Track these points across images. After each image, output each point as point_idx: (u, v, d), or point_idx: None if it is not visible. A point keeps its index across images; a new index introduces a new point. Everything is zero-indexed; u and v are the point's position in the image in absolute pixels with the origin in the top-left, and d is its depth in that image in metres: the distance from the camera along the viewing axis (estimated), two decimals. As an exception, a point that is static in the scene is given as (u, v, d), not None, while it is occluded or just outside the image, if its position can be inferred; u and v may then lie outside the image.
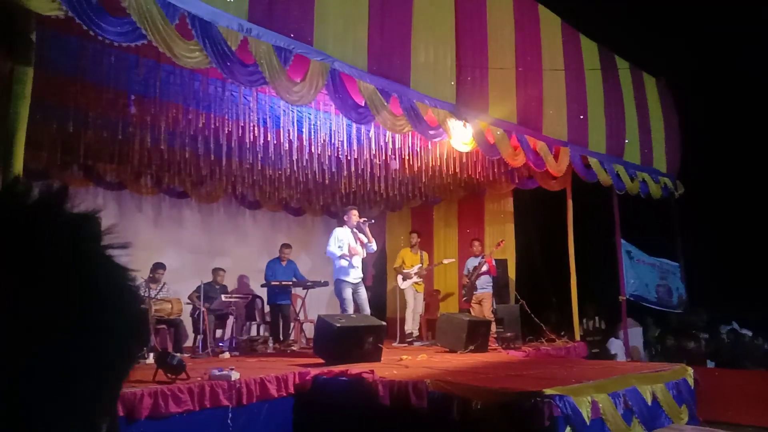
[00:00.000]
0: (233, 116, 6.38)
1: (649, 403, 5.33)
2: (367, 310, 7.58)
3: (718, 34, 11.14)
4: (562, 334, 9.01)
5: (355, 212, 7.82)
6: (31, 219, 0.47)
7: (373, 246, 7.87)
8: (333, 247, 7.56)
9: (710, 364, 9.22)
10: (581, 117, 8.39)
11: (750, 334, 9.75)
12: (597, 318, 10.61)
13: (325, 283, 9.39)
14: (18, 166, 4.12)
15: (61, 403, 0.45)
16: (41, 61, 4.39)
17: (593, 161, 8.59)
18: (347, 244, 7.60)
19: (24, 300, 0.43)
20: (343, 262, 7.51)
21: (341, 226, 7.88)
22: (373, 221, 8.16)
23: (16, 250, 0.45)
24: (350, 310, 7.39)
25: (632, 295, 9.58)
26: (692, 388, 6.21)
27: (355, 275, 7.56)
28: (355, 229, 7.72)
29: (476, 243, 9.54)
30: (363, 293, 7.66)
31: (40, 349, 0.44)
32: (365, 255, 7.85)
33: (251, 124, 6.46)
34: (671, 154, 10.27)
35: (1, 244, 0.44)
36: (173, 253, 9.21)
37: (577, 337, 9.01)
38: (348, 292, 7.46)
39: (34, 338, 0.43)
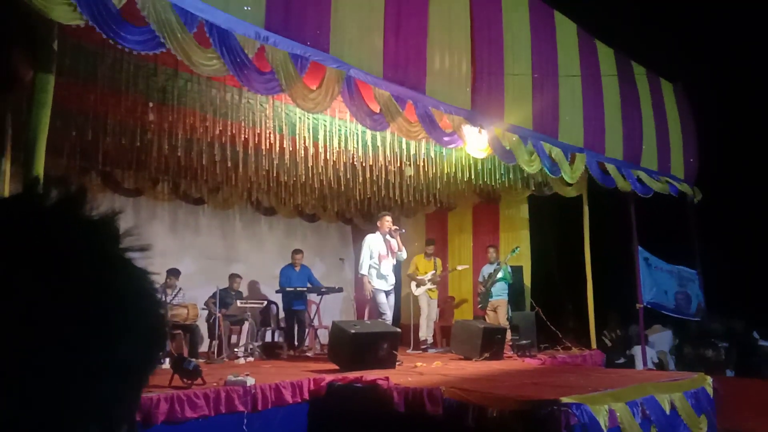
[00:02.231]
0: (250, 123, 6.42)
1: (668, 413, 5.26)
2: (390, 318, 7.57)
3: (735, 38, 11.04)
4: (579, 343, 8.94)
5: (388, 218, 7.78)
6: (50, 220, 0.48)
7: (404, 254, 7.84)
8: (365, 264, 7.51)
9: (729, 374, 9.10)
10: (598, 123, 8.34)
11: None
12: (619, 327, 10.51)
13: (340, 289, 9.40)
14: (39, 172, 4.18)
15: (79, 406, 0.45)
16: (61, 69, 4.46)
17: (610, 167, 8.54)
18: (377, 252, 7.57)
19: (42, 302, 0.43)
20: (372, 272, 7.51)
21: (373, 233, 7.82)
22: (403, 231, 8.16)
23: (36, 251, 0.45)
24: (388, 313, 7.42)
25: (650, 302, 9.48)
26: (711, 397, 6.13)
27: (387, 283, 7.55)
28: (387, 236, 7.69)
29: (491, 250, 9.50)
30: (392, 301, 7.67)
31: (59, 351, 0.44)
32: (395, 262, 7.81)
33: (267, 131, 6.50)
34: (689, 160, 10.17)
35: (21, 245, 0.45)
36: (189, 259, 9.29)
37: (594, 345, 8.94)
38: (382, 296, 7.47)
39: (53, 340, 0.44)
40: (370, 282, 7.47)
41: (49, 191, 0.49)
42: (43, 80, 4.21)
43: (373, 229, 8.03)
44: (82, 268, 0.46)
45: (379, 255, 7.54)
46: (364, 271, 7.50)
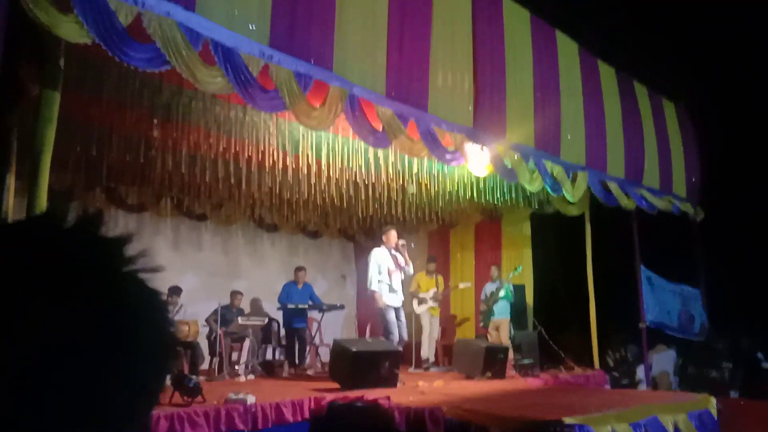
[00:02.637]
0: (253, 140, 6.46)
1: (672, 434, 5.21)
2: (405, 335, 7.45)
3: (737, 57, 11.11)
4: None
5: (393, 232, 7.67)
6: (68, 241, 0.49)
7: (410, 269, 7.73)
8: (374, 279, 7.36)
9: (734, 395, 9.02)
10: (599, 141, 8.37)
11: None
12: (623, 348, 10.44)
13: (342, 307, 9.37)
14: (44, 187, 4.21)
15: (94, 423, 0.46)
16: (67, 84, 4.50)
17: (612, 185, 8.54)
18: (386, 267, 7.45)
19: (59, 320, 0.45)
20: (383, 287, 7.36)
21: (378, 247, 7.69)
22: (413, 245, 8.05)
23: (54, 270, 0.46)
24: (396, 333, 7.24)
25: (653, 322, 9.43)
26: (716, 418, 6.07)
27: (398, 298, 7.42)
28: (393, 251, 7.57)
29: (493, 268, 9.48)
30: (402, 317, 7.51)
31: (74, 368, 0.45)
32: (403, 277, 7.69)
33: (271, 148, 6.53)
34: (691, 179, 10.17)
35: (41, 264, 0.46)
36: (191, 276, 9.28)
37: (597, 365, 8.87)
38: (391, 315, 7.30)
39: (68, 357, 0.44)
40: (381, 298, 7.31)
41: (66, 213, 0.50)
42: (49, 96, 4.25)
43: (376, 245, 8.01)
44: (98, 287, 0.48)
45: (387, 270, 7.41)
46: (374, 287, 7.34)
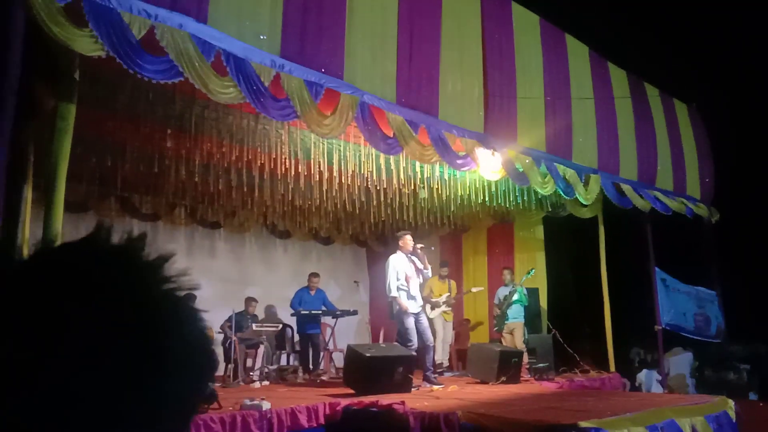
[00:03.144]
0: (266, 149, 6.51)
1: (689, 437, 5.17)
2: (431, 339, 7.39)
3: (749, 57, 11.03)
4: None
5: (409, 237, 7.51)
6: (113, 263, 0.52)
7: (429, 272, 7.61)
8: (393, 285, 7.21)
9: (752, 397, 8.93)
10: (612, 144, 8.35)
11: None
12: (642, 350, 10.37)
13: (355, 312, 9.39)
14: (60, 198, 4.28)
15: None
16: (82, 97, 4.58)
17: (626, 187, 8.51)
18: (404, 273, 7.30)
19: (107, 340, 0.47)
20: (401, 294, 7.21)
21: (394, 253, 7.53)
22: (432, 248, 7.92)
23: (99, 291, 0.49)
24: (414, 340, 7.08)
25: (669, 324, 9.36)
26: (734, 421, 6.01)
27: (416, 304, 7.29)
28: (410, 255, 7.43)
29: (506, 272, 9.45)
30: (424, 321, 7.38)
31: (122, 386, 0.47)
32: (422, 281, 7.57)
33: (283, 157, 6.59)
34: (705, 181, 10.10)
35: (86, 287, 0.49)
36: (205, 283, 9.24)
37: (612, 368, 8.82)
38: (410, 322, 7.14)
39: (118, 376, 0.47)
40: (400, 303, 7.17)
41: (110, 235, 0.53)
42: (65, 109, 4.32)
43: (388, 251, 8.00)
44: (141, 307, 0.50)
45: (406, 276, 7.27)
46: (394, 293, 7.20)
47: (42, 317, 0.46)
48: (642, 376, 9.59)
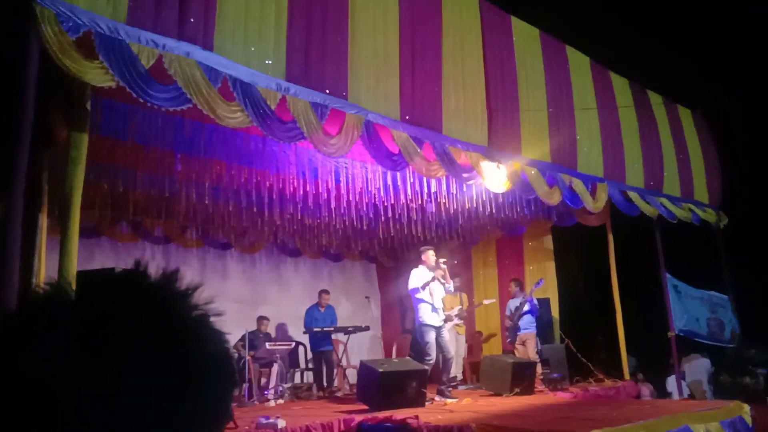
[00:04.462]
0: (274, 170, 6.62)
1: (704, 444, 5.16)
2: (451, 353, 7.40)
3: (753, 60, 11.06)
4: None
5: (431, 252, 7.54)
6: (155, 294, 0.61)
7: (451, 287, 7.61)
8: (417, 284, 7.18)
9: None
10: (617, 152, 8.39)
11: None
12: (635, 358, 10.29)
13: (367, 328, 9.43)
14: (75, 225, 4.38)
15: None
16: (94, 126, 4.70)
17: (633, 195, 8.54)
18: (427, 285, 7.30)
19: (154, 359, 0.56)
20: (425, 306, 7.23)
21: (416, 267, 7.52)
22: (455, 261, 7.89)
23: (147, 319, 0.58)
24: (433, 354, 7.10)
25: (682, 330, 9.32)
26: (750, 426, 5.98)
27: (439, 317, 7.30)
28: (430, 270, 7.42)
29: (512, 284, 9.47)
30: (446, 335, 7.40)
31: (168, 400, 0.56)
32: (444, 295, 7.57)
33: (291, 177, 6.69)
34: (712, 185, 10.11)
35: (136, 314, 0.57)
36: (218, 303, 9.36)
37: (626, 376, 8.79)
38: (431, 336, 7.15)
39: (164, 390, 0.56)
40: (420, 318, 7.15)
41: (146, 270, 0.63)
42: (77, 138, 4.43)
43: (398, 266, 8.06)
44: (178, 330, 0.60)
45: (429, 289, 7.29)
46: (417, 286, 7.20)
47: (103, 340, 0.55)
48: (670, 382, 9.53)
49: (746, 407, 6.13)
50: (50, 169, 4.90)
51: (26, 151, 3.94)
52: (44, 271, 4.56)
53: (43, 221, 4.78)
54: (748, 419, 6.03)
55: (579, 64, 8.24)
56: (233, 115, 4.72)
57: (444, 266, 7.47)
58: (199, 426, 0.59)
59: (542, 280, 9.32)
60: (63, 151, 4.53)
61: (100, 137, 5.47)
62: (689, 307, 9.66)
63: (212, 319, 0.65)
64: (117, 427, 0.52)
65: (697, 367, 10.12)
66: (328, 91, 5.27)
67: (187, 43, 4.46)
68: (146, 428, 0.54)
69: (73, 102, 4.52)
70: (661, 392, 9.61)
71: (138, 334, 0.56)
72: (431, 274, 7.39)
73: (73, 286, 0.60)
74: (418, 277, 7.33)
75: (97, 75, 4.13)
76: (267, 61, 4.90)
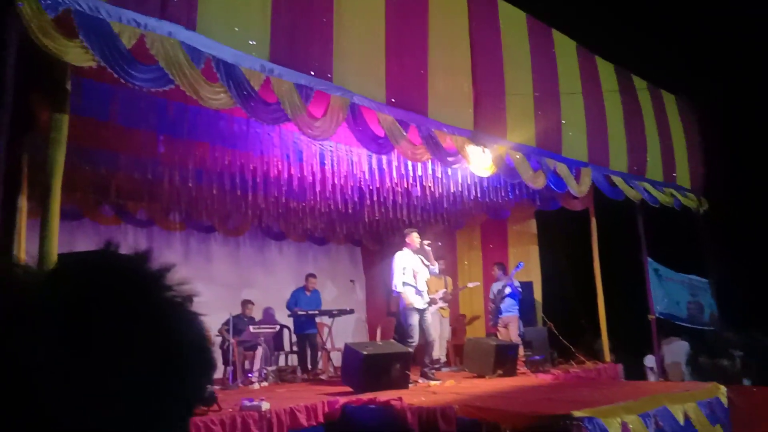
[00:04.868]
0: (258, 152, 6.57)
1: (682, 423, 5.27)
2: (433, 336, 7.45)
3: (736, 46, 11.13)
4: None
5: (415, 234, 7.55)
6: (120, 277, 0.59)
7: (435, 269, 7.65)
8: (398, 281, 7.23)
9: (746, 383, 9.04)
10: (601, 137, 8.44)
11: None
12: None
13: (351, 311, 9.46)
14: (56, 208, 4.32)
15: (156, 428, 0.56)
16: (75, 108, 4.62)
17: (617, 179, 8.61)
18: (411, 269, 7.34)
19: (125, 343, 0.55)
20: (409, 289, 7.25)
21: (400, 250, 7.54)
22: (440, 244, 7.92)
23: (116, 302, 0.56)
24: (416, 337, 7.16)
25: (662, 313, 9.47)
26: (726, 407, 6.12)
27: (423, 300, 7.33)
28: (415, 253, 7.45)
29: (495, 267, 9.55)
30: (429, 317, 7.44)
31: (141, 386, 0.54)
32: (428, 277, 7.61)
33: (275, 159, 6.65)
34: (695, 171, 10.21)
35: (105, 298, 0.56)
36: (202, 287, 9.27)
37: (607, 358, 8.92)
38: (414, 319, 7.19)
39: (136, 376, 0.54)
40: (407, 298, 7.20)
41: (116, 251, 0.61)
42: (58, 120, 4.36)
43: (383, 249, 8.08)
44: (150, 313, 0.58)
45: (413, 271, 7.32)
46: (399, 288, 7.23)
47: (72, 324, 0.53)
48: (648, 363, 9.71)
49: (723, 389, 6.26)
50: (31, 151, 4.82)
51: (6, 133, 3.88)
52: (24, 254, 4.51)
53: (23, 204, 4.71)
54: (725, 400, 6.16)
55: (565, 48, 8.23)
56: (216, 97, 4.67)
57: (428, 248, 7.51)
58: (176, 412, 0.58)
59: (522, 263, 9.38)
60: (44, 133, 4.46)
61: (82, 119, 5.38)
62: (670, 291, 9.81)
63: (188, 300, 0.63)
64: (92, 415, 0.52)
65: (676, 350, 10.31)
66: (313, 73, 5.23)
67: (169, 22, 4.39)
68: (123, 416, 0.53)
69: (54, 83, 4.44)
70: (639, 374, 9.77)
71: (115, 321, 0.54)
72: (417, 257, 7.43)
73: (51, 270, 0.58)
74: (401, 261, 7.35)
75: (77, 55, 4.06)
76: (251, 42, 4.84)
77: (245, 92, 4.79)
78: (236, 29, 4.79)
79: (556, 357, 8.61)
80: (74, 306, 0.54)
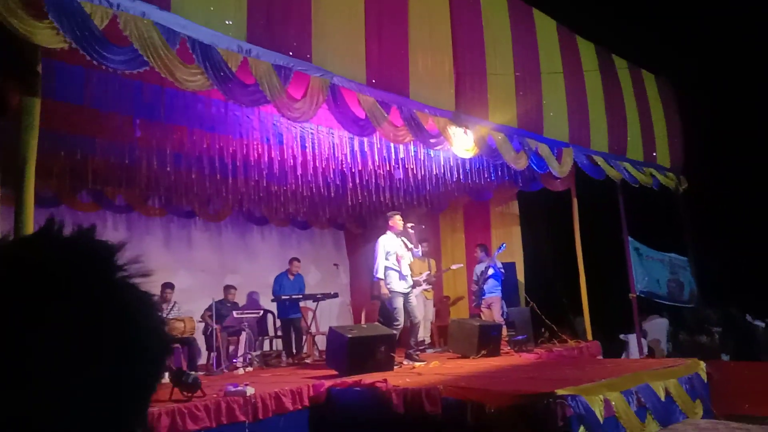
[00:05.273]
0: (237, 135, 6.48)
1: (663, 399, 5.35)
2: (418, 318, 7.48)
3: (718, 26, 11.18)
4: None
5: (398, 217, 7.50)
6: (65, 255, 0.54)
7: (419, 252, 7.62)
8: (381, 266, 7.19)
9: (725, 358, 9.22)
10: (582, 117, 8.45)
11: (763, 325, 9.75)
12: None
13: (335, 295, 9.45)
14: (30, 194, 4.23)
15: (101, 418, 0.52)
16: (48, 92, 4.51)
17: (599, 159, 8.64)
18: (395, 253, 7.29)
19: (64, 327, 0.50)
20: (393, 273, 7.22)
21: (384, 234, 7.47)
22: (423, 226, 7.90)
23: (54, 283, 0.51)
24: (401, 320, 7.15)
25: (643, 291, 9.59)
26: (705, 382, 6.22)
27: (406, 284, 7.31)
28: (399, 236, 7.42)
29: (478, 249, 9.60)
30: (413, 300, 7.44)
31: (77, 371, 0.50)
32: (411, 261, 7.58)
33: (255, 142, 6.56)
34: (674, 150, 10.30)
35: (42, 278, 0.51)
36: (184, 273, 9.31)
37: (589, 337, 9.02)
38: (399, 302, 7.19)
39: (76, 360, 0.50)
40: (388, 285, 7.19)
41: (61, 229, 0.56)
42: (29, 103, 4.25)
43: (366, 233, 8.05)
44: (97, 296, 0.53)
45: (396, 255, 7.28)
46: (380, 274, 7.21)
47: (12, 313, 0.49)
48: (629, 341, 9.85)
49: (702, 364, 6.36)
50: (2, 137, 4.71)
51: (-26, 116, 3.76)
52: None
53: (-3, 190, 4.61)
54: (704, 376, 6.27)
55: (546, 27, 8.20)
56: (193, 78, 4.57)
57: (411, 231, 7.50)
58: (126, 403, 0.54)
59: (504, 244, 9.41)
60: (15, 118, 4.34)
61: (55, 103, 5.25)
62: (650, 269, 9.92)
63: (140, 280, 0.58)
64: (31, 412, 0.47)
65: (656, 327, 10.48)
66: (291, 53, 5.14)
67: (142, 2, 4.28)
68: (66, 412, 0.49)
69: (23, 65, 4.31)
70: (619, 352, 9.92)
71: (44, 308, 0.50)
72: (400, 240, 7.41)
73: None
74: (385, 245, 7.33)
75: (47, 36, 3.94)
76: (227, 22, 4.74)
77: (222, 74, 4.70)
78: (212, 9, 4.69)
79: (543, 335, 8.67)
80: (8, 294, 0.50)
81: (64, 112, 5.72)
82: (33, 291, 0.50)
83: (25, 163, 4.20)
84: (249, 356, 7.89)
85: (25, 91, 4.29)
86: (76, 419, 0.50)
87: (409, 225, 7.52)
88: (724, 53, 11.27)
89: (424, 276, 9.44)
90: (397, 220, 7.48)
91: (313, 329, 9.22)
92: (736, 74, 11.02)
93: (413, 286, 9.33)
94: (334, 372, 6.20)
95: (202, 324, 8.25)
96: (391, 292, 7.25)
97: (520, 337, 8.20)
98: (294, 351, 8.83)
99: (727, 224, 10.67)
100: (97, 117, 6.07)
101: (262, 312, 8.91)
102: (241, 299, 9.43)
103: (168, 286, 7.94)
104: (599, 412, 4.46)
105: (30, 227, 4.15)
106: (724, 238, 10.53)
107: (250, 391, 5.00)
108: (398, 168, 8.27)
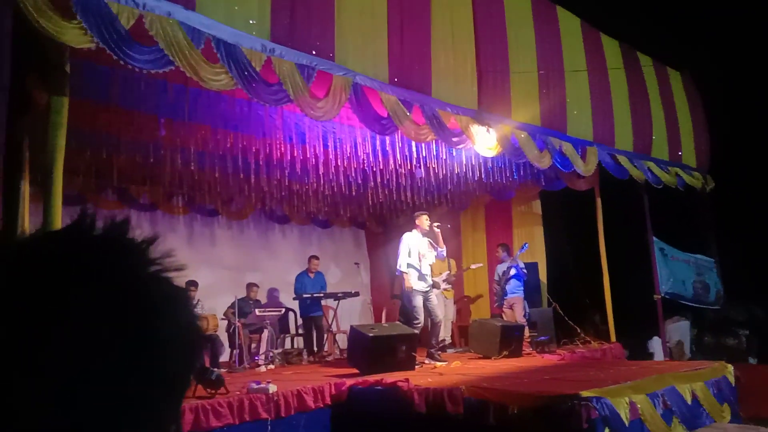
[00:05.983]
0: (260, 134, 6.51)
1: (689, 403, 5.26)
2: (439, 317, 7.45)
3: (741, 23, 10.97)
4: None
5: (425, 216, 7.50)
6: (97, 249, 0.54)
7: (444, 252, 7.57)
8: (403, 262, 7.21)
9: (751, 361, 9.04)
10: (606, 116, 8.34)
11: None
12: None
13: (357, 294, 9.46)
14: (58, 192, 4.29)
15: (135, 412, 0.51)
16: (75, 90, 4.57)
17: (622, 158, 8.53)
18: (417, 251, 7.30)
19: (97, 322, 0.49)
20: (412, 272, 7.21)
21: (409, 231, 7.49)
22: (449, 226, 7.83)
23: (90, 278, 0.51)
24: (421, 318, 7.15)
25: (668, 293, 9.43)
26: (733, 385, 6.10)
27: (426, 283, 7.29)
28: (424, 236, 7.41)
29: (500, 248, 9.50)
30: (434, 299, 7.42)
31: (122, 369, 0.50)
32: (434, 261, 7.57)
33: (277, 141, 6.59)
34: (700, 149, 10.12)
35: (77, 274, 0.51)
36: (207, 271, 9.39)
37: (613, 338, 8.91)
38: (419, 300, 7.18)
39: (116, 359, 0.49)
40: (409, 280, 7.18)
41: (94, 221, 0.55)
42: (58, 102, 4.31)
43: (387, 231, 8.03)
44: (130, 289, 0.52)
45: (419, 254, 7.28)
46: (403, 268, 7.21)
47: (38, 305, 0.48)
48: (653, 343, 9.69)
49: (730, 367, 6.24)
50: (31, 135, 4.78)
51: (4, 116, 3.82)
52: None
53: (26, 188, 4.68)
54: (732, 379, 6.15)
55: (569, 25, 8.12)
56: (217, 78, 4.60)
57: (437, 230, 7.46)
58: (160, 400, 0.53)
59: (527, 244, 9.33)
60: (43, 116, 4.41)
61: (82, 102, 5.32)
62: (675, 270, 9.76)
63: (173, 274, 0.57)
64: (53, 408, 0.46)
65: (680, 329, 10.30)
66: (314, 52, 5.15)
67: (168, 2, 4.32)
68: (89, 409, 0.48)
69: (52, 65, 4.38)
70: (643, 353, 9.77)
71: (78, 301, 0.49)
72: (425, 240, 7.39)
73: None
74: (408, 241, 7.31)
75: (75, 36, 3.99)
76: (251, 21, 4.76)
77: (246, 73, 4.72)
78: (236, 8, 4.72)
79: (562, 337, 8.58)
80: (42, 286, 0.49)
81: (90, 110, 5.80)
82: (59, 282, 0.49)
83: (53, 162, 4.27)
84: (271, 354, 7.93)
85: (53, 90, 4.36)
86: (107, 412, 0.49)
87: (436, 224, 7.48)
88: (751, 50, 11.04)
89: (443, 276, 9.40)
90: (423, 220, 7.45)
91: (334, 327, 9.24)
92: (763, 72, 10.79)
93: (432, 287, 9.34)
94: (355, 370, 6.20)
95: (225, 321, 8.32)
96: (411, 290, 7.23)
97: (542, 338, 8.13)
98: (315, 349, 8.86)
99: (754, 225, 10.45)
100: (123, 116, 6.14)
101: (284, 310, 8.95)
102: (262, 297, 9.49)
103: (192, 283, 8.01)
104: (624, 414, 4.40)
105: (58, 225, 4.21)
106: (751, 239, 10.31)
107: (272, 388, 5.02)
108: (420, 167, 8.24)
